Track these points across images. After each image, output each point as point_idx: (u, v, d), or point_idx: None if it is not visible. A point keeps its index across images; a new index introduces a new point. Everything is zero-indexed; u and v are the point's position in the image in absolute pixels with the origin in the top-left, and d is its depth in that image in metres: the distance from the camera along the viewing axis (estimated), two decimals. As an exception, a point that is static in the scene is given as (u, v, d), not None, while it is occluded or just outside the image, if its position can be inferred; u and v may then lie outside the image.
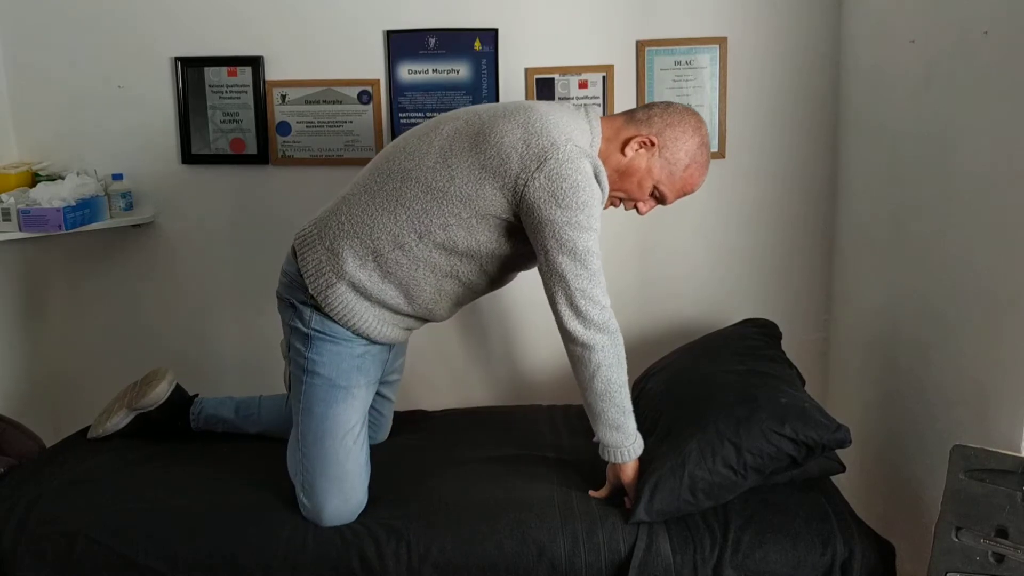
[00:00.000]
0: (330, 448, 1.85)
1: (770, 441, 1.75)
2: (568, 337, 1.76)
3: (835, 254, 2.53)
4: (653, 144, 1.82)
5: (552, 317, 1.79)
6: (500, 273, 1.89)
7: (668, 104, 1.87)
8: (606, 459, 1.83)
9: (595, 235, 1.72)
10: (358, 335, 1.87)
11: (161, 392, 2.20)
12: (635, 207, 1.90)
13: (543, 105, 1.82)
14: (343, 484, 1.83)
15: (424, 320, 1.95)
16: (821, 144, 2.49)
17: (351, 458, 1.86)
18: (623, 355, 1.79)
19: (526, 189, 1.70)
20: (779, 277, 2.57)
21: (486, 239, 1.78)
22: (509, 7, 2.47)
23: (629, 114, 1.88)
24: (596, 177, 1.75)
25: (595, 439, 1.86)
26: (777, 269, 2.56)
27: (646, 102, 2.43)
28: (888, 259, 2.13)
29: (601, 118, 1.85)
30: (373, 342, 1.90)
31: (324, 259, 1.82)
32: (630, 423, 1.81)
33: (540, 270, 1.77)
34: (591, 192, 1.71)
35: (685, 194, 1.90)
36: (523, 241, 1.79)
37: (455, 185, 1.74)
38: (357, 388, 1.89)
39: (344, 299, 1.82)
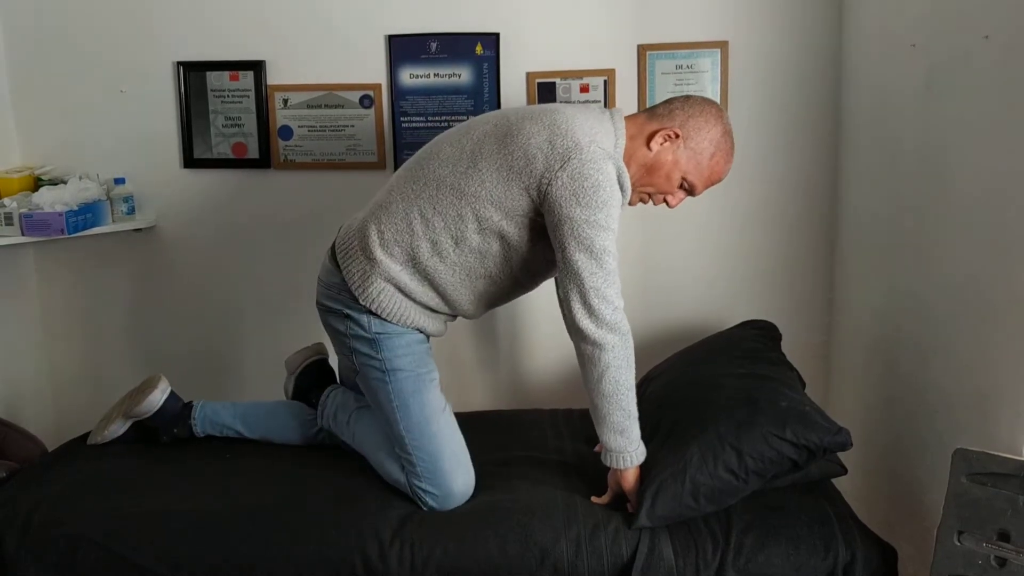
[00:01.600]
0: (438, 428, 1.90)
1: (771, 445, 1.76)
2: (579, 335, 1.77)
3: (836, 257, 2.53)
4: (678, 136, 1.85)
5: (556, 322, 1.80)
6: (532, 276, 1.93)
7: (688, 97, 1.91)
8: (608, 464, 1.83)
9: (613, 236, 1.75)
10: (414, 329, 1.93)
11: (154, 400, 2.19)
12: (664, 201, 1.92)
13: (569, 108, 1.86)
14: (462, 458, 1.90)
15: (455, 316, 2.02)
16: (822, 147, 2.49)
17: (457, 434, 1.93)
18: (632, 358, 1.81)
19: (549, 188, 1.74)
20: (780, 280, 2.57)
21: (517, 240, 1.82)
22: (510, 11, 2.47)
23: (650, 111, 1.92)
24: (619, 180, 1.78)
25: (597, 448, 1.86)
26: (778, 272, 2.56)
27: (648, 106, 2.44)
28: (889, 262, 2.13)
29: (625, 117, 1.88)
30: (425, 334, 1.96)
31: (368, 268, 1.86)
32: (635, 428, 1.81)
33: (558, 269, 1.79)
34: (611, 192, 1.74)
35: (713, 183, 1.92)
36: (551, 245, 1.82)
37: (486, 189, 1.79)
38: (434, 372, 1.96)
39: (394, 300, 1.88)
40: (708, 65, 2.45)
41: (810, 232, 2.54)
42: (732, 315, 2.50)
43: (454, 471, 1.87)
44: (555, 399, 2.57)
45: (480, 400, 2.67)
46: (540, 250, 1.84)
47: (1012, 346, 1.58)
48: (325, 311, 1.97)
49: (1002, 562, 1.50)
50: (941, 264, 1.85)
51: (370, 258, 1.86)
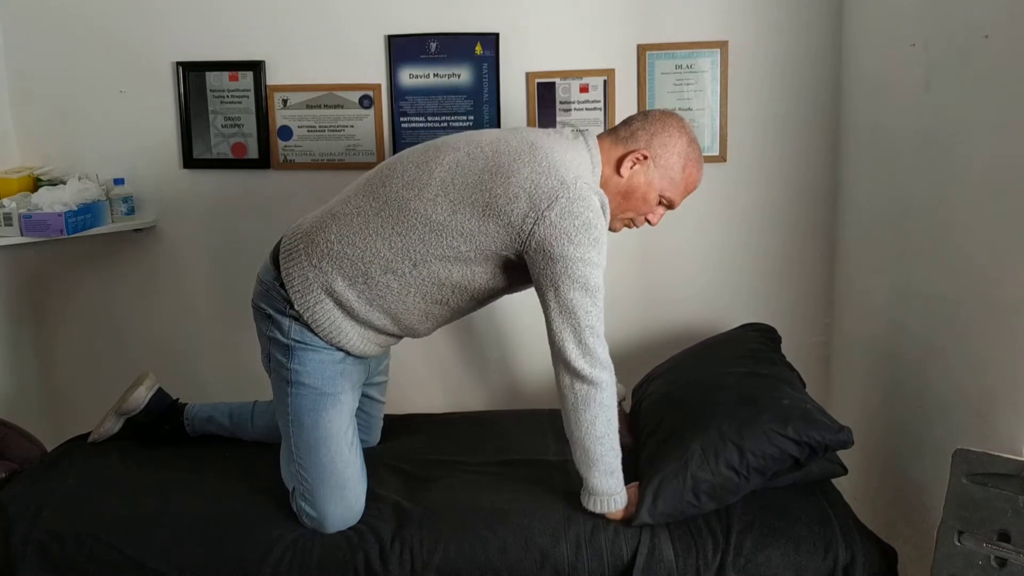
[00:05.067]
0: (326, 456, 1.85)
1: (773, 442, 1.76)
2: (575, 374, 1.73)
3: (836, 258, 2.53)
4: (646, 158, 1.82)
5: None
6: (489, 299, 1.89)
7: (646, 114, 1.89)
8: (594, 509, 1.79)
9: (602, 271, 1.73)
10: (339, 350, 1.87)
11: (140, 396, 2.20)
12: (646, 220, 1.91)
13: (546, 140, 1.80)
14: (344, 491, 1.84)
15: (403, 337, 1.96)
16: (822, 148, 2.49)
17: (349, 464, 1.86)
18: (612, 399, 1.78)
19: (536, 227, 1.69)
20: (780, 281, 2.57)
21: (481, 271, 1.78)
22: (510, 11, 2.47)
23: (612, 134, 1.88)
24: (602, 210, 1.76)
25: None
26: (778, 273, 2.56)
27: (646, 107, 2.45)
28: (889, 263, 2.13)
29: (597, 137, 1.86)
30: (351, 355, 1.90)
31: (311, 276, 1.81)
32: (620, 468, 1.79)
33: (547, 309, 1.74)
34: (601, 229, 1.72)
35: (689, 192, 1.91)
36: (518, 277, 1.80)
37: (456, 220, 1.73)
38: (343, 394, 1.88)
39: (331, 316, 1.82)
40: (708, 65, 2.45)
41: (810, 232, 2.54)
42: (732, 316, 2.50)
43: (332, 500, 1.82)
44: (554, 399, 2.55)
45: (480, 401, 2.67)
46: (506, 280, 1.81)
47: (1012, 346, 1.58)
48: (254, 309, 1.92)
49: (1002, 562, 1.50)
50: (941, 265, 1.85)
51: (316, 266, 1.80)
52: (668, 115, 1.87)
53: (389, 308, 1.82)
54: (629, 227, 1.93)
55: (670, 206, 1.90)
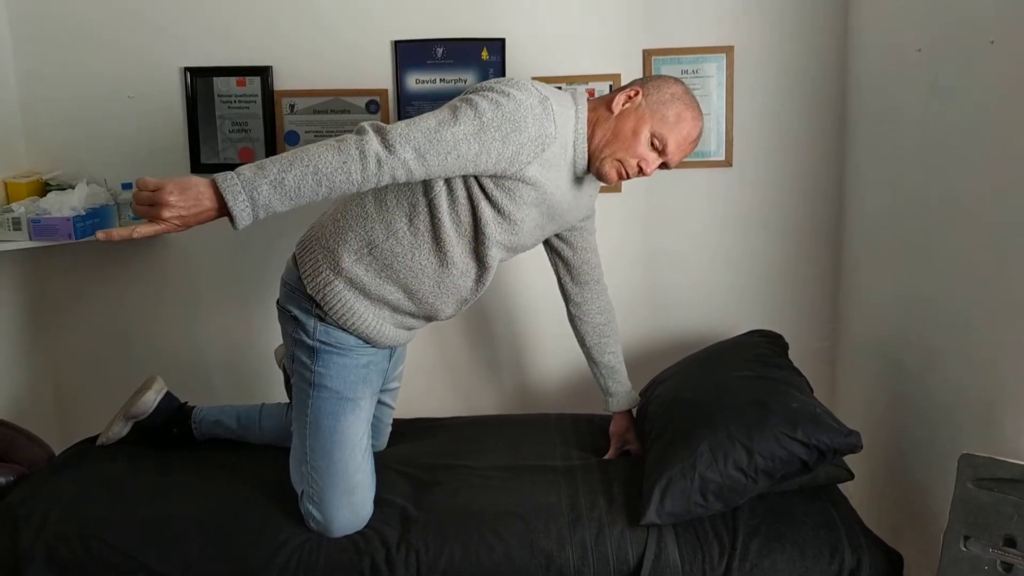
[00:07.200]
0: (339, 461, 1.85)
1: (782, 445, 1.76)
2: (363, 127, 1.65)
3: (842, 262, 2.53)
4: (638, 93, 1.82)
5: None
6: (490, 249, 1.83)
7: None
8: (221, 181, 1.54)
9: (499, 112, 1.67)
10: (360, 338, 1.87)
11: (148, 400, 2.21)
12: (640, 170, 1.83)
13: None
14: (353, 496, 1.84)
15: (427, 319, 1.95)
16: (828, 153, 2.49)
17: (359, 470, 1.87)
18: (362, 175, 1.62)
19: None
20: (786, 286, 2.57)
21: (464, 198, 1.77)
22: (516, 16, 2.48)
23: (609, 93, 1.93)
24: (544, 112, 1.72)
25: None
26: (784, 278, 2.56)
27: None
28: (894, 268, 2.13)
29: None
30: (375, 345, 1.90)
31: (321, 257, 1.84)
32: (263, 182, 1.54)
33: None
34: (522, 104, 1.69)
35: (683, 139, 1.83)
36: (501, 196, 1.77)
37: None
38: (363, 399, 1.90)
39: (342, 297, 1.83)
40: (714, 70, 2.45)
41: (816, 237, 2.54)
42: (737, 320, 2.51)
43: (339, 505, 1.82)
44: (562, 404, 2.57)
45: (487, 405, 2.68)
46: (490, 207, 1.77)
47: (1017, 350, 1.58)
48: (279, 311, 1.95)
49: (1008, 567, 1.50)
50: (946, 270, 1.85)
51: (324, 247, 1.84)
52: (665, 75, 1.92)
53: (399, 278, 1.83)
54: (621, 175, 1.83)
55: (663, 152, 1.82)
